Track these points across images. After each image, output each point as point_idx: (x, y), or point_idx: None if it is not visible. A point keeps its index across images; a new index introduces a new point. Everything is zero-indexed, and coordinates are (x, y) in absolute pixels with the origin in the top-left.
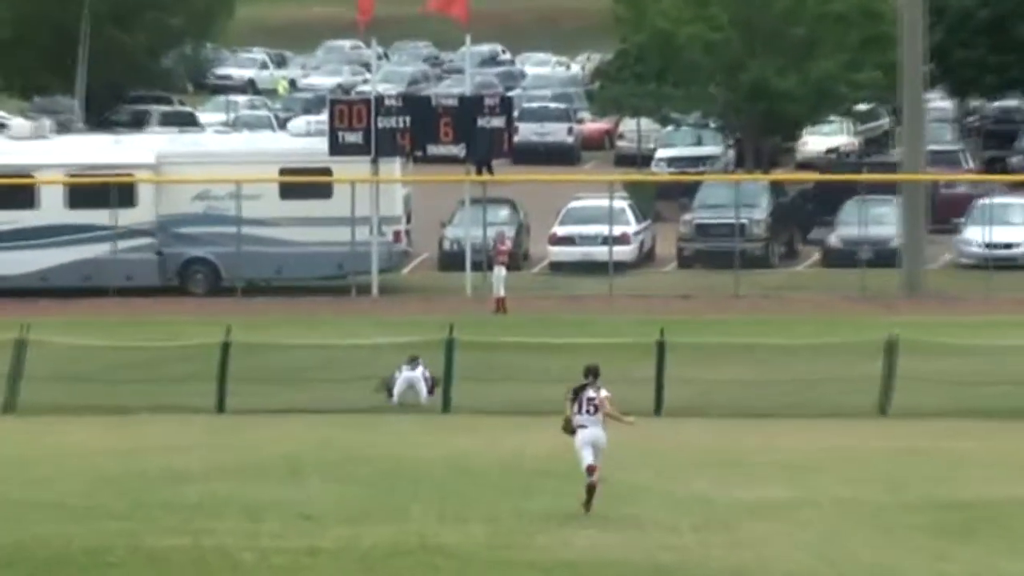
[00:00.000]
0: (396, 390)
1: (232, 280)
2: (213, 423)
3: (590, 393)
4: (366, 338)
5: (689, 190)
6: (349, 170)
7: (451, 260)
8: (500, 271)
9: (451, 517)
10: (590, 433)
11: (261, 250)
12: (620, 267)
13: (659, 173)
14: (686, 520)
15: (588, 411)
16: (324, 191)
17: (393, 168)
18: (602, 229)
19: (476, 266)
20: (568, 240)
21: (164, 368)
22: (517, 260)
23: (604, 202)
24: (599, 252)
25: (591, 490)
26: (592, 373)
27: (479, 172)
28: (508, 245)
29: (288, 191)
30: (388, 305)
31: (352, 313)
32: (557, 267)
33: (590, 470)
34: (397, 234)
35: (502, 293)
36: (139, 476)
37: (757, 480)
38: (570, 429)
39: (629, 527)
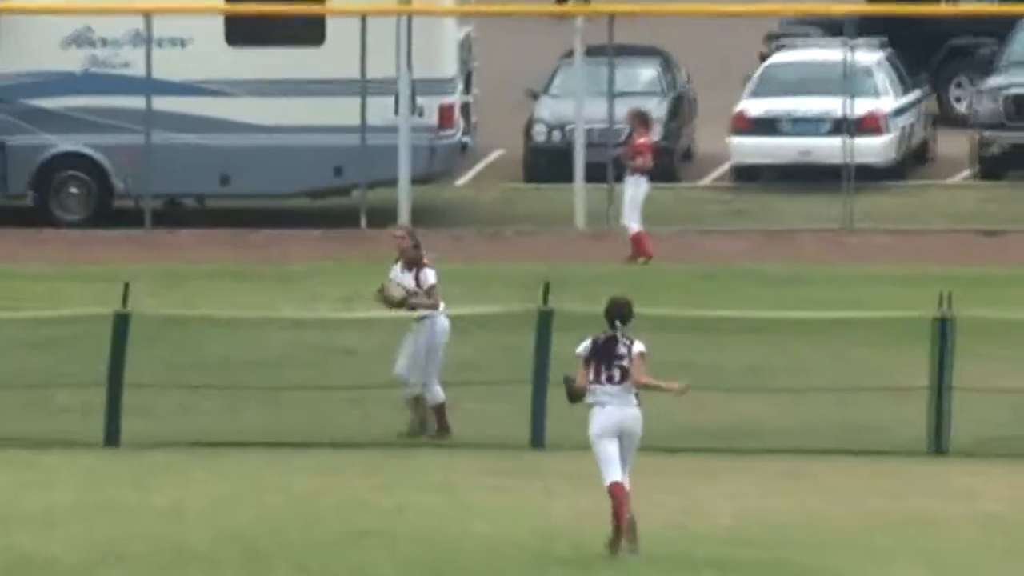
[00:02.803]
0: (404, 362)
1: (136, 196)
2: (99, 467)
3: (619, 349)
4: (384, 308)
5: (996, 32)
6: None
7: (548, 162)
8: (638, 184)
9: None
10: (613, 414)
11: (191, 141)
12: (866, 175)
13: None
14: None
15: (611, 378)
16: (309, 32)
17: None
18: (831, 105)
19: (594, 173)
20: (767, 125)
21: (10, 362)
22: (671, 163)
23: (835, 55)
24: (824, 148)
25: (619, 529)
26: (619, 316)
27: None
28: (652, 137)
29: (241, 32)
30: (430, 246)
31: (360, 259)
32: (747, 175)
33: (615, 493)
34: (446, 112)
35: (639, 225)
36: None
37: None
38: (577, 396)
39: None
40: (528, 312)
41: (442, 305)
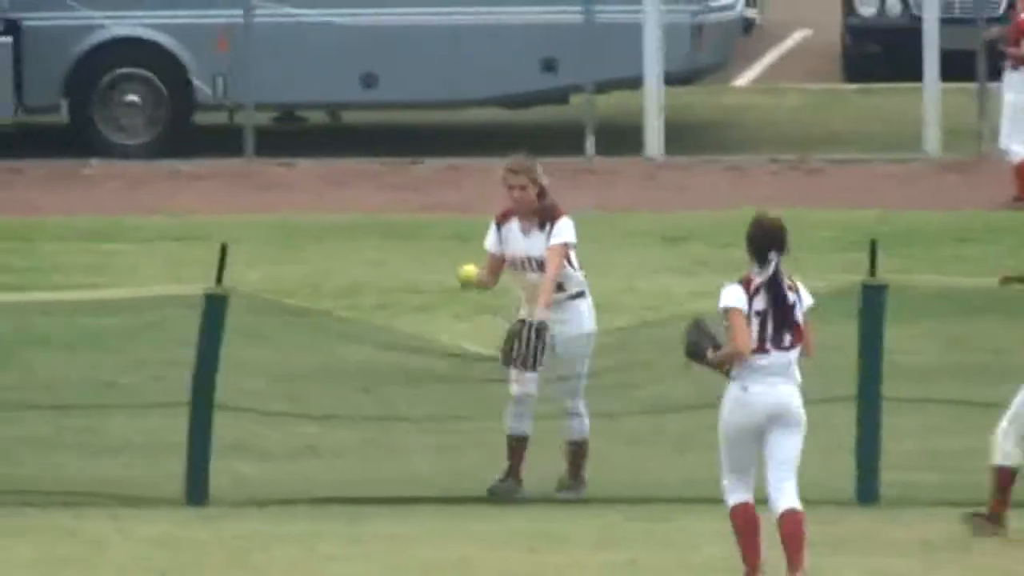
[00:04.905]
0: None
1: (231, 106)
2: (175, 537)
3: (791, 297)
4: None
5: None
6: None
7: (881, 50)
8: None
9: None
10: (760, 400)
11: (317, 20)
12: None
13: None
14: None
15: (781, 342)
16: None
17: None
18: None
19: (957, 67)
20: None
21: (32, 371)
22: None
23: None
24: None
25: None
26: (778, 244)
27: None
28: None
29: None
30: (688, 176)
31: (587, 204)
32: None
33: (742, 515)
34: None
35: None
36: None
37: None
38: (719, 364)
39: None
40: (845, 287)
41: (580, 275)
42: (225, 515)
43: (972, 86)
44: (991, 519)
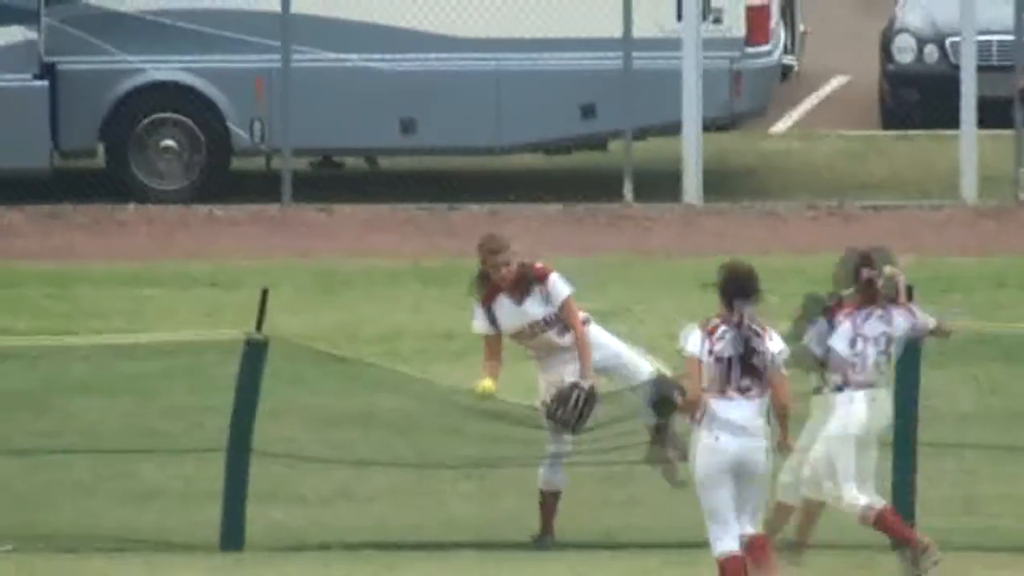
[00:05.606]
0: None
1: (268, 152)
2: None
3: (753, 343)
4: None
5: None
6: None
7: (918, 96)
8: None
9: None
10: (726, 448)
11: (354, 65)
12: None
13: None
14: None
15: (743, 387)
16: None
17: None
18: None
19: (995, 114)
20: None
21: (72, 417)
22: None
23: None
24: None
25: None
26: (743, 290)
27: None
28: None
29: None
30: (727, 222)
31: (626, 251)
32: None
33: (729, 568)
34: (758, 17)
35: None
36: None
37: None
38: (685, 409)
39: None
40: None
41: (588, 321)
42: (261, 561)
43: (1009, 133)
44: (922, 551)
